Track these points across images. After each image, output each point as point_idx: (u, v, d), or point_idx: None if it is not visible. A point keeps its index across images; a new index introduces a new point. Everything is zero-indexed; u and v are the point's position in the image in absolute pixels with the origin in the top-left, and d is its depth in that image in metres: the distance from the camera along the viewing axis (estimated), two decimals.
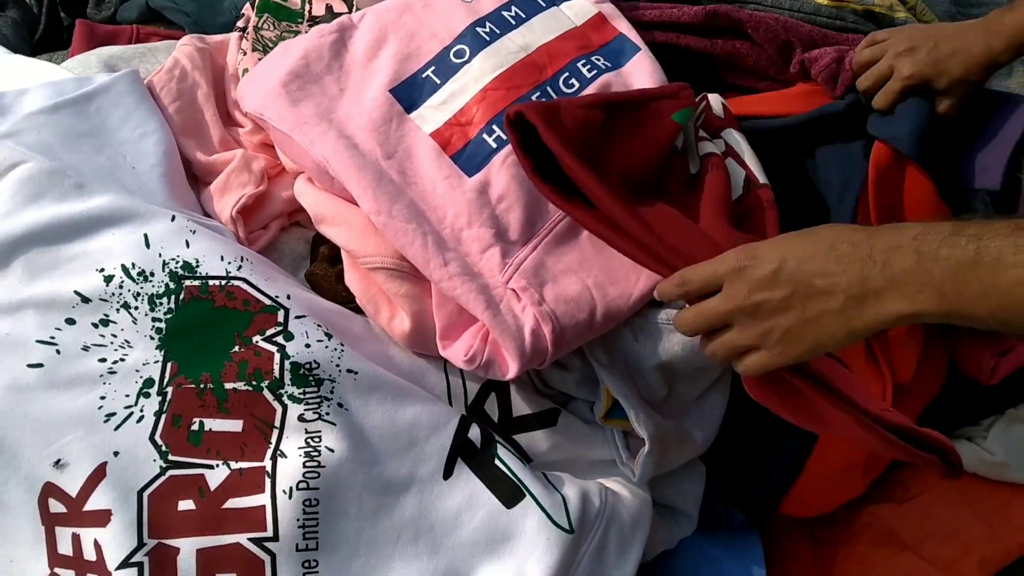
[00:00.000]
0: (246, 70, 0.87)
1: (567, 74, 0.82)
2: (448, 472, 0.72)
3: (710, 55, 0.97)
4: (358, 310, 0.79)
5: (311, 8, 0.93)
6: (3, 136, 0.74)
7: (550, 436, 0.80)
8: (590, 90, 0.81)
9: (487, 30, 0.82)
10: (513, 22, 0.83)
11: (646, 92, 0.81)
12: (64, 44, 1.10)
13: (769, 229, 0.80)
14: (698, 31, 0.96)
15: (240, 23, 0.92)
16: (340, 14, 0.91)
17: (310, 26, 0.91)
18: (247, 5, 0.92)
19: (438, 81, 0.80)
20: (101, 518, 0.65)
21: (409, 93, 0.80)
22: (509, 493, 0.73)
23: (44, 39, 1.10)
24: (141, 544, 0.64)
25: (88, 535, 0.64)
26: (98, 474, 0.66)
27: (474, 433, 0.74)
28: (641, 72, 0.84)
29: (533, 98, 0.79)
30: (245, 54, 0.88)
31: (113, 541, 0.64)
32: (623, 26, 0.88)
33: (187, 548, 0.65)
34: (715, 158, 0.82)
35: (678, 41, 0.96)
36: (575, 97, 0.77)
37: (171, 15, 1.01)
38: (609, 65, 0.84)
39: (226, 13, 1.03)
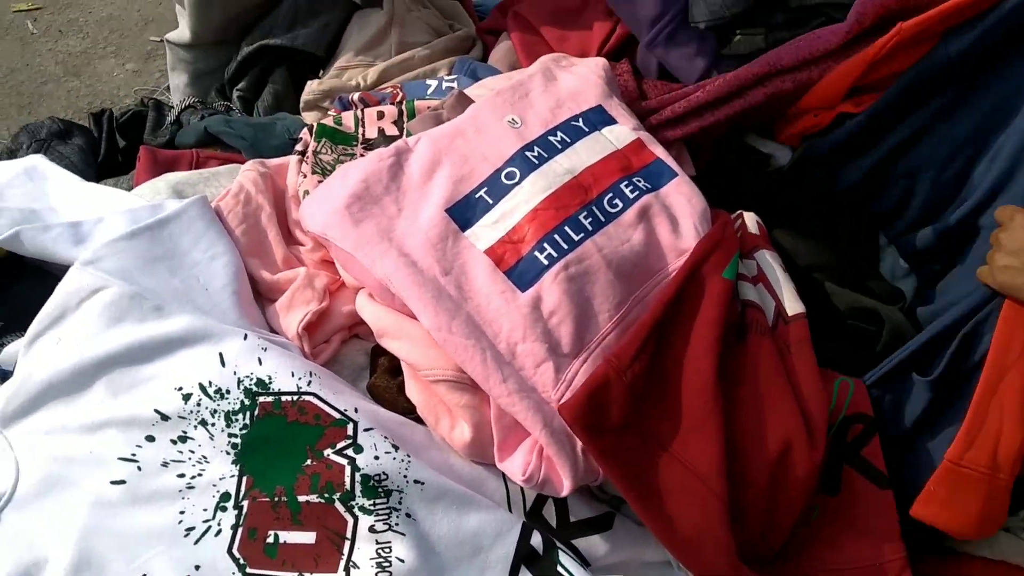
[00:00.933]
0: (307, 192, 0.92)
1: (611, 195, 0.87)
2: None
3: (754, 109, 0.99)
4: (419, 420, 0.82)
5: (364, 132, 0.98)
6: (86, 263, 0.79)
7: (607, 540, 0.82)
8: (632, 211, 0.86)
9: (535, 154, 0.87)
10: (559, 146, 0.89)
11: (693, 261, 0.84)
12: (122, 167, 1.16)
13: (801, 368, 0.83)
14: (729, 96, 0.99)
15: (299, 147, 0.97)
16: (392, 137, 0.97)
17: (364, 149, 0.97)
18: (304, 131, 0.98)
19: (491, 201, 0.85)
20: None
21: (464, 212, 0.85)
22: None
23: (105, 163, 1.16)
24: None
25: None
26: None
27: (536, 540, 0.76)
28: (679, 195, 0.89)
29: (580, 217, 0.84)
30: (305, 176, 0.94)
31: None
32: (659, 152, 0.93)
33: None
34: (754, 310, 0.85)
35: (717, 118, 0.99)
36: (621, 353, 0.77)
37: (228, 139, 1.07)
38: (649, 187, 0.89)
39: (279, 136, 1.09)
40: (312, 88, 1.21)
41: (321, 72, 1.32)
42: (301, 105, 1.22)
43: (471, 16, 1.43)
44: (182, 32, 1.41)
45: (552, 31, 1.25)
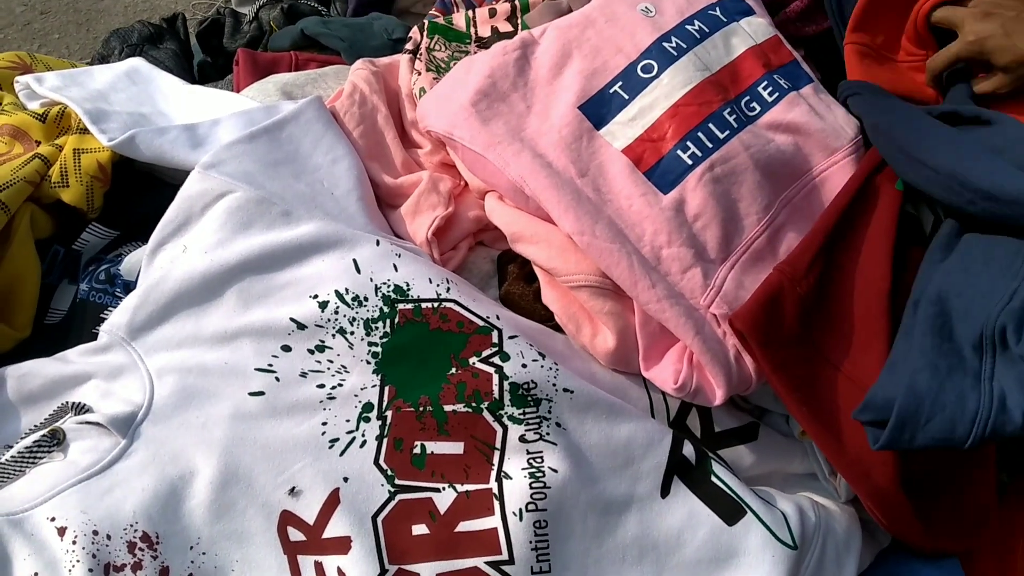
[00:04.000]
0: (423, 89, 0.87)
1: (748, 97, 0.81)
2: (666, 490, 0.71)
3: None
4: (556, 328, 0.79)
5: (477, 31, 0.93)
6: (207, 166, 0.75)
7: (752, 451, 0.78)
8: (778, 108, 0.81)
9: (673, 45, 0.81)
10: (698, 36, 0.82)
11: (866, 168, 0.79)
12: (212, 74, 1.12)
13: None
14: None
15: (409, 46, 0.92)
16: (507, 34, 0.92)
17: (478, 47, 0.92)
18: (415, 29, 0.93)
19: (626, 96, 0.80)
20: (342, 545, 0.65)
21: (597, 109, 0.79)
22: (729, 510, 0.71)
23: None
24: (383, 570, 0.64)
25: (331, 563, 0.64)
26: (332, 501, 0.66)
27: (688, 450, 0.73)
28: (818, 99, 0.84)
29: (724, 114, 0.79)
30: (419, 75, 0.89)
31: (356, 568, 0.64)
32: (795, 53, 0.87)
33: (427, 573, 0.65)
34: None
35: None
36: (794, 263, 0.73)
37: (326, 41, 1.02)
38: (790, 86, 0.83)
39: (377, 36, 1.04)
40: None
41: None
42: (394, 10, 1.16)
43: None
44: None
45: None
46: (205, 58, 1.18)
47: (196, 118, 0.82)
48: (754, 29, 0.86)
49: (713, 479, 0.72)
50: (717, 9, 0.85)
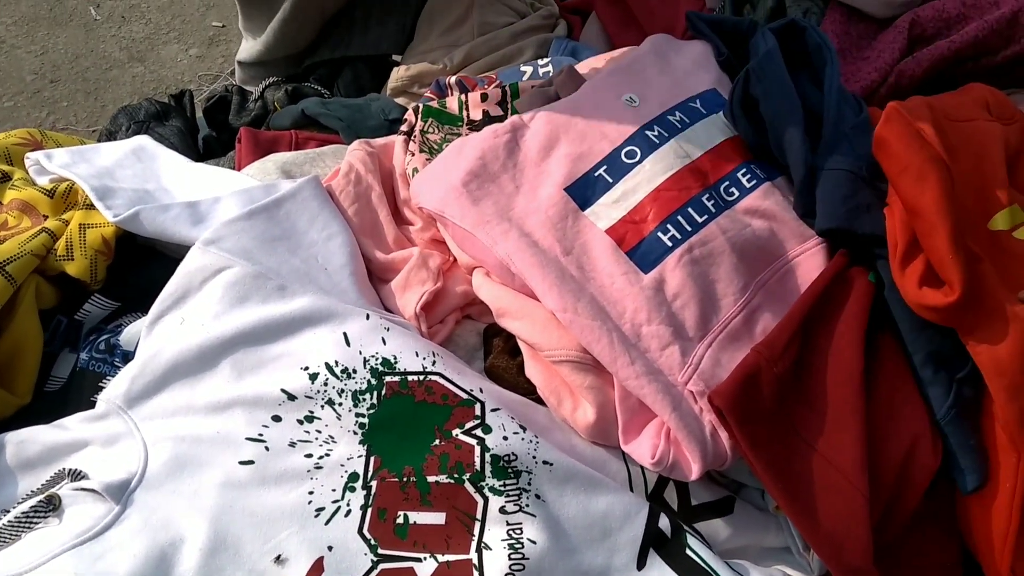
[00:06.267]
0: (416, 169, 0.91)
1: (728, 183, 0.85)
2: (642, 562, 0.73)
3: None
4: (539, 400, 0.81)
5: (469, 113, 0.97)
6: (207, 242, 0.79)
7: (728, 524, 0.80)
8: (753, 196, 0.84)
9: (656, 133, 0.86)
10: (679, 126, 0.87)
11: (841, 261, 0.82)
12: (215, 150, 1.16)
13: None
14: None
15: (404, 127, 0.96)
16: (498, 118, 0.96)
17: (470, 129, 0.96)
18: (410, 111, 0.97)
19: (611, 180, 0.83)
20: None
21: (583, 191, 0.83)
22: None
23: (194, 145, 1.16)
24: None
25: None
26: (316, 568, 0.68)
27: (664, 523, 0.75)
28: (788, 188, 0.88)
29: (703, 199, 0.82)
30: (413, 155, 0.93)
31: None
32: None
33: None
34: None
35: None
36: (772, 344, 0.75)
37: (326, 121, 1.07)
38: (765, 175, 0.87)
39: (374, 117, 1.09)
40: (400, 75, 1.20)
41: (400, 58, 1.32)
42: (388, 92, 1.21)
43: None
44: (252, 50, 1.41)
45: (641, 6, 1.24)
46: (210, 132, 1.23)
47: (198, 195, 0.86)
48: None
49: (688, 552, 0.74)
50: (697, 102, 0.90)
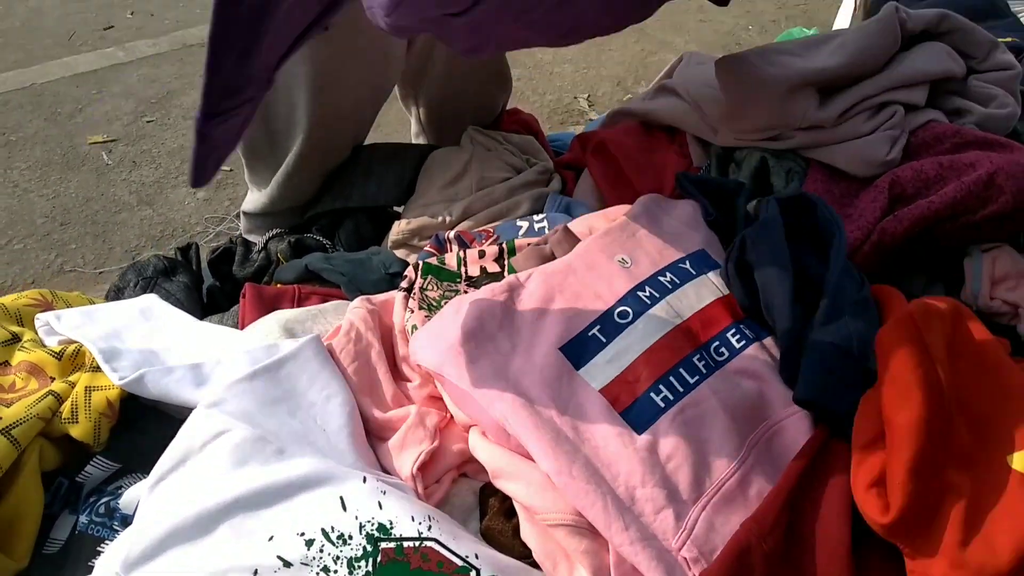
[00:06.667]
0: (415, 327, 0.94)
1: (718, 343, 0.88)
2: None
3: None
4: (534, 563, 0.81)
5: (467, 270, 1.01)
6: (210, 406, 0.80)
7: None
8: (742, 357, 0.87)
9: (647, 293, 0.88)
10: (670, 287, 0.90)
11: (823, 434, 0.83)
12: (221, 303, 1.19)
13: None
14: None
15: (404, 284, 0.99)
16: (495, 275, 0.99)
17: (468, 286, 0.99)
18: (409, 268, 1.01)
19: (604, 340, 0.86)
20: None
21: (577, 350, 0.85)
22: None
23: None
24: None
25: None
26: None
27: None
28: (776, 349, 0.90)
29: (694, 359, 0.85)
30: (412, 312, 0.95)
31: None
32: None
33: None
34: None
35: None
36: (761, 519, 0.75)
37: (328, 276, 1.10)
38: (754, 335, 0.89)
39: (376, 271, 1.12)
40: (400, 228, 1.24)
41: (401, 208, 1.37)
42: (389, 244, 1.25)
43: (547, 152, 1.47)
44: (257, 202, 1.46)
45: (632, 164, 1.29)
46: (215, 283, 1.27)
47: (203, 355, 0.88)
48: (721, 282, 0.93)
49: None
50: (687, 262, 0.93)
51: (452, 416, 0.89)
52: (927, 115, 1.13)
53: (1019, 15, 1.84)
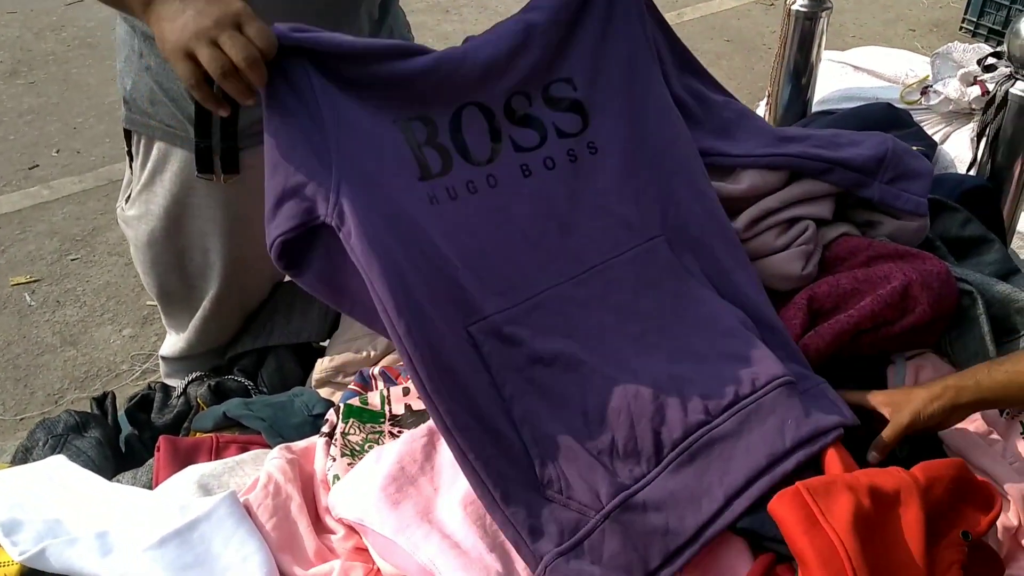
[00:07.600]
0: (336, 476, 0.90)
1: None
2: None
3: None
4: None
5: (391, 409, 0.98)
6: None
7: None
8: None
9: None
10: None
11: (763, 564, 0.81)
12: (136, 455, 1.14)
13: None
14: None
15: (325, 428, 0.97)
16: (419, 411, 0.97)
17: (392, 425, 0.97)
18: (331, 412, 0.98)
19: None
20: None
21: None
22: None
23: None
24: None
25: None
26: None
27: None
28: None
29: None
30: (334, 460, 0.93)
31: None
32: None
33: None
34: None
35: None
36: None
37: (248, 422, 1.06)
38: None
39: (298, 414, 1.09)
40: (324, 367, 1.21)
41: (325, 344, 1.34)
42: (313, 383, 1.22)
43: None
44: (174, 346, 1.43)
45: None
46: (132, 431, 1.21)
47: (110, 521, 0.84)
48: None
49: None
50: None
51: (379, 569, 0.86)
52: (839, 229, 1.16)
53: (922, 124, 1.94)
